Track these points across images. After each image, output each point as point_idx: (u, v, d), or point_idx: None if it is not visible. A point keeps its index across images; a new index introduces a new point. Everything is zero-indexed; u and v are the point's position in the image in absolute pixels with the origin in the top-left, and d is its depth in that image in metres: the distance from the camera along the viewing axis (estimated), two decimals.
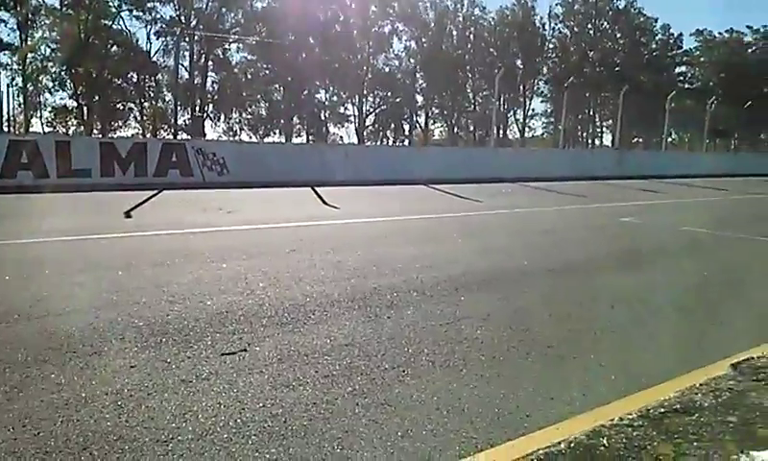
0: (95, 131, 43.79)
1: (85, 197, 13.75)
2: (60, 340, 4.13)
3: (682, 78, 66.41)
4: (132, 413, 3.16)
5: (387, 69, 54.77)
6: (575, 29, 63.32)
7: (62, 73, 43.66)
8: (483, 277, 6.48)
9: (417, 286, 5.89)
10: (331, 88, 52.03)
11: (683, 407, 3.20)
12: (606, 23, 64.28)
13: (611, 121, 61.08)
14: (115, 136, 39.01)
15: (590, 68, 60.49)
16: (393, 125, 56.54)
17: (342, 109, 54.16)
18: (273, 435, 3.00)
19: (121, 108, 47.43)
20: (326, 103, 52.57)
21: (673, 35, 65.96)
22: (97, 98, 43.99)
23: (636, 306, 5.59)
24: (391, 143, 55.48)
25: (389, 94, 54.06)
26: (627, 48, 64.41)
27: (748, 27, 67.76)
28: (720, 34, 67.43)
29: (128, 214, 10.87)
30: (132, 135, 44.78)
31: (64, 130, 45.94)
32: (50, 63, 43.55)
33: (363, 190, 17.29)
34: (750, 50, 67.62)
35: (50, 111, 46.41)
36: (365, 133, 53.53)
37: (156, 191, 14.72)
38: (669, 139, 53.62)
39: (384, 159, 23.02)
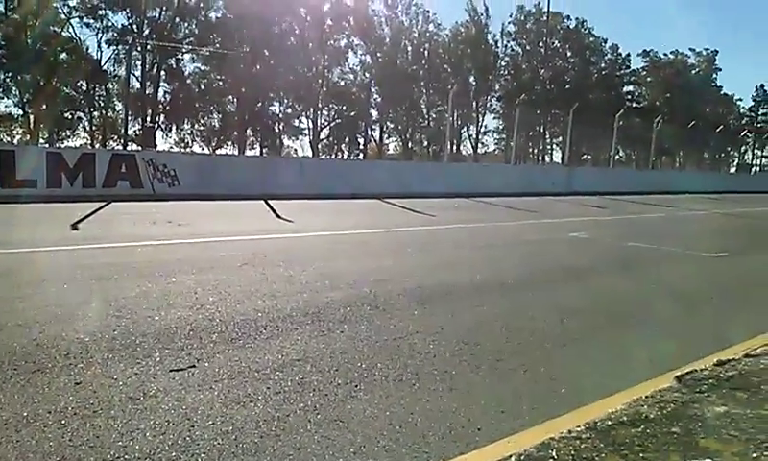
0: (41, 140, 42.62)
1: (31, 208, 13.34)
2: (1, 357, 3.98)
3: (629, 97, 68.41)
4: (77, 432, 3.06)
5: (342, 83, 54.89)
6: (527, 47, 64.56)
7: (7, 80, 42.40)
8: (436, 291, 6.52)
9: (370, 300, 5.89)
10: (286, 101, 51.80)
11: (629, 419, 3.28)
12: (557, 42, 65.77)
13: (560, 138, 62.43)
14: (63, 146, 37.93)
15: (541, 86, 61.71)
16: (347, 138, 56.56)
17: (296, 122, 53.97)
18: (223, 453, 2.94)
19: (69, 117, 46.20)
20: (281, 115, 52.33)
21: (621, 55, 68.02)
22: (44, 106, 42.79)
23: (586, 320, 5.70)
24: (345, 157, 55.49)
25: (344, 108, 54.12)
26: (577, 67, 66.06)
27: (691, 49, 70.47)
28: (665, 54, 69.92)
29: (74, 226, 10.58)
30: (81, 145, 43.67)
31: (9, 138, 44.56)
32: None
33: (317, 204, 17.24)
34: (693, 71, 70.18)
35: None
36: (319, 147, 53.44)
37: (104, 203, 14.39)
38: (617, 156, 55.10)
39: (338, 173, 23.01)
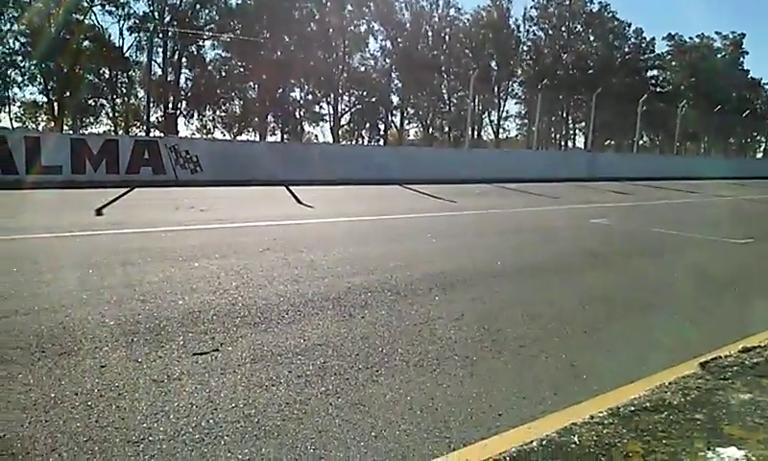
0: (66, 127, 43.07)
1: (56, 194, 13.52)
2: (29, 340, 4.06)
3: (653, 81, 67.28)
4: (103, 414, 3.12)
5: (363, 69, 54.69)
6: (549, 31, 63.80)
7: (32, 68, 42.87)
8: (456, 276, 6.51)
9: (391, 286, 5.90)
10: (306, 87, 51.76)
11: (652, 406, 3.26)
12: (579, 26, 64.89)
13: (583, 123, 61.76)
14: (87, 133, 38.34)
15: (564, 71, 61.04)
16: (368, 124, 56.45)
17: (317, 108, 53.93)
18: (246, 436, 2.98)
19: (93, 104, 46.64)
20: (301, 101, 52.31)
21: (645, 38, 66.84)
22: (68, 94, 43.21)
23: (607, 306, 5.66)
24: (366, 143, 55.44)
25: (364, 94, 53.96)
26: (600, 51, 65.08)
27: (717, 32, 69.09)
28: (691, 38, 68.66)
29: (99, 212, 10.72)
30: (104, 132, 44.15)
31: (34, 125, 45.11)
32: (19, 58, 42.76)
33: (338, 189, 17.27)
34: (719, 55, 68.89)
35: (19, 107, 45.57)
36: (340, 133, 53.41)
37: (128, 189, 14.54)
38: (641, 142, 54.43)
39: (359, 159, 22.99)
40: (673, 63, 68.51)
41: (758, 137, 74.27)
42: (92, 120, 47.24)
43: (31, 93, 44.62)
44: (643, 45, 67.03)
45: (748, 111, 49.71)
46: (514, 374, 3.93)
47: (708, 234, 11.15)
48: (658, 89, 64.49)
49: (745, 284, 7.19)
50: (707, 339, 4.70)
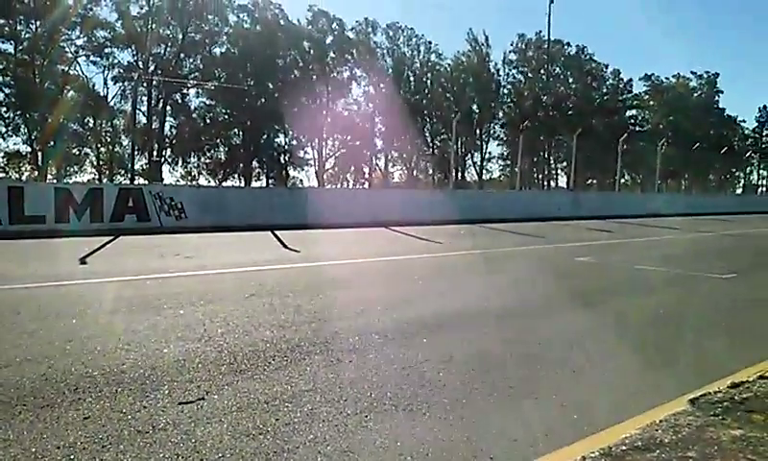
0: (50, 176, 42.97)
1: (40, 243, 13.40)
2: (9, 393, 3.98)
3: (633, 121, 68.64)
4: None
5: (346, 113, 55.36)
6: (529, 74, 65.07)
7: (16, 118, 42.90)
8: (444, 318, 6.49)
9: (378, 329, 5.86)
10: (291, 132, 52.23)
11: (644, 444, 3.23)
12: (558, 69, 66.29)
13: (565, 163, 62.64)
14: (71, 182, 38.25)
15: (544, 112, 62.05)
16: (352, 168, 56.95)
17: (301, 153, 54.37)
18: None
19: (77, 153, 46.67)
20: (286, 147, 52.71)
21: (623, 79, 68.43)
22: (52, 143, 43.22)
23: (595, 346, 5.65)
24: (351, 186, 55.71)
25: (348, 138, 54.52)
26: (579, 93, 66.42)
27: (692, 72, 70.80)
28: (667, 78, 70.30)
29: (83, 261, 10.62)
30: (89, 181, 44.06)
31: (17, 175, 44.94)
32: (3, 108, 42.80)
33: (324, 233, 17.27)
34: (695, 94, 70.47)
35: (2, 157, 45.47)
36: (325, 177, 53.75)
37: (112, 237, 14.45)
38: (622, 181, 55.13)
39: (344, 202, 23.06)
40: (651, 103, 70.03)
41: (737, 173, 75.56)
42: (76, 169, 47.23)
43: (14, 143, 44.62)
44: (621, 86, 68.53)
45: (726, 148, 50.62)
46: (504, 416, 3.89)
47: (693, 270, 11.23)
48: (637, 128, 65.77)
49: (731, 319, 7.19)
50: (696, 375, 4.69)
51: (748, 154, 66.05)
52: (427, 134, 60.81)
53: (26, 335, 5.37)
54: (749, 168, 72.95)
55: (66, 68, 44.30)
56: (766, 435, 3.34)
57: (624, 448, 3.19)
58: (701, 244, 17.88)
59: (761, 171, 72.44)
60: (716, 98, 71.60)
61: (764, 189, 71.04)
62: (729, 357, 5.33)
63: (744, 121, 74.90)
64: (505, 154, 65.34)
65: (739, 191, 71.40)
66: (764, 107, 73.09)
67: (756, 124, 74.13)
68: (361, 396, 4.11)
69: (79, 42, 44.70)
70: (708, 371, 4.82)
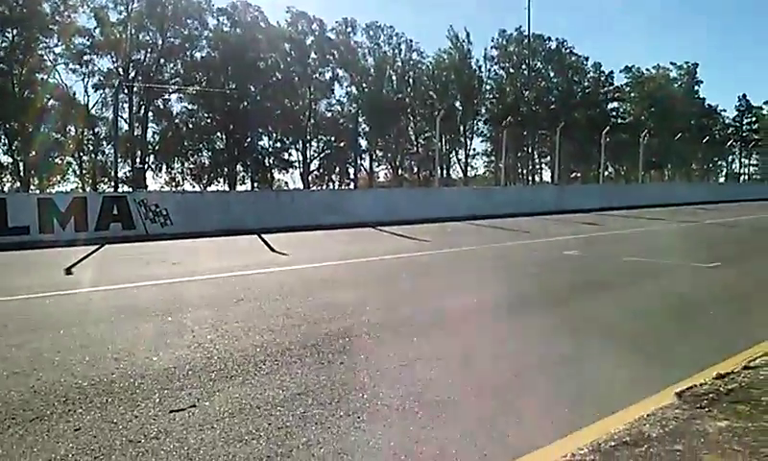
0: (32, 187, 42.52)
1: (24, 255, 13.27)
2: None
3: (614, 113, 69.02)
4: None
5: (330, 114, 55.24)
6: (510, 70, 65.18)
7: None
8: (434, 316, 6.51)
9: (368, 330, 5.87)
10: (274, 135, 52.02)
11: (632, 439, 3.26)
12: (539, 63, 66.47)
13: (549, 157, 62.83)
14: (54, 191, 37.89)
15: (527, 107, 62.22)
16: (337, 169, 56.73)
17: (286, 156, 54.16)
18: None
19: (59, 162, 46.21)
20: (270, 150, 52.49)
21: (604, 72, 68.67)
22: (34, 153, 42.77)
23: (583, 339, 5.70)
24: (336, 187, 55.62)
25: (332, 139, 54.37)
26: (561, 86, 66.67)
27: (672, 63, 71.29)
28: (647, 70, 70.71)
29: (69, 271, 10.54)
30: (72, 190, 43.63)
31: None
32: None
33: (310, 235, 17.24)
34: (675, 84, 71.00)
35: None
36: (310, 178, 53.60)
37: (97, 246, 14.34)
38: (606, 172, 55.45)
39: (330, 204, 22.98)
40: (632, 95, 70.39)
41: (719, 162, 76.23)
42: (59, 178, 46.70)
43: None
44: (602, 79, 68.82)
45: (707, 138, 51.04)
46: (495, 412, 3.91)
47: (678, 260, 11.33)
48: (619, 121, 66.14)
49: (718, 307, 7.26)
50: (685, 365, 4.74)
51: (729, 143, 66.68)
52: (411, 133, 60.79)
53: (14, 348, 5.33)
54: (731, 157, 73.74)
55: (45, 77, 43.85)
56: (751, 425, 3.39)
57: (613, 443, 3.21)
58: (685, 234, 18.04)
59: (743, 159, 73.09)
60: (696, 88, 72.19)
61: (746, 178, 71.64)
62: (714, 346, 5.39)
63: (725, 110, 75.57)
64: (489, 150, 65.52)
65: (722, 180, 72.07)
66: (743, 95, 73.78)
67: (737, 112, 74.81)
68: (353, 397, 4.12)
69: (57, 50, 44.24)
70: (695, 360, 4.87)
